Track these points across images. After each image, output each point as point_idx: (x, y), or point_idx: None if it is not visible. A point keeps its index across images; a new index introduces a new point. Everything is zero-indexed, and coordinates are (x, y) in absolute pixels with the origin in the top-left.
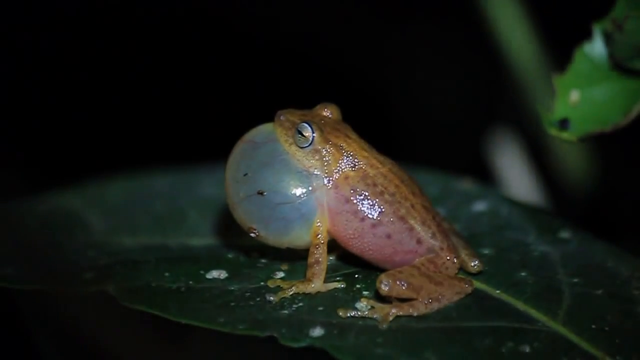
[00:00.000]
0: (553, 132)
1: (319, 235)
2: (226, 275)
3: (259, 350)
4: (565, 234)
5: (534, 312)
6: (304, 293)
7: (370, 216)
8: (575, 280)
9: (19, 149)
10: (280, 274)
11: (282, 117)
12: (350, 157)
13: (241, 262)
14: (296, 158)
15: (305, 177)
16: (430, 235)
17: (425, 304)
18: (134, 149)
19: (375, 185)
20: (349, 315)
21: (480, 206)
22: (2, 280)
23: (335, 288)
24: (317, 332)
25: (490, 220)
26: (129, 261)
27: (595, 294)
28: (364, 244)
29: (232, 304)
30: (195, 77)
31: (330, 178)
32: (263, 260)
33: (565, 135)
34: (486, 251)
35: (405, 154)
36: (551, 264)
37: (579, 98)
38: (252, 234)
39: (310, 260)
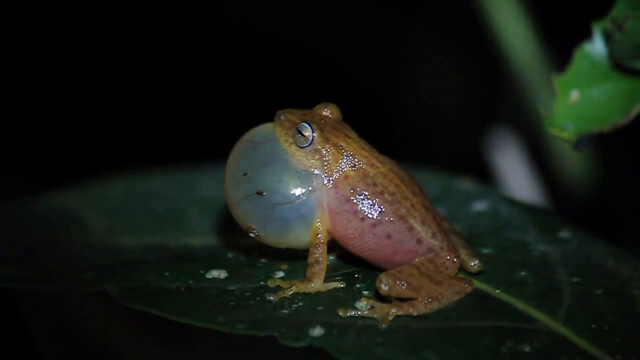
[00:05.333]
0: (553, 132)
1: (319, 235)
2: (226, 275)
3: (259, 350)
4: (565, 234)
5: (534, 312)
6: (303, 293)
7: (370, 216)
8: (575, 280)
9: (19, 149)
10: (280, 274)
11: (282, 117)
12: (350, 157)
13: (241, 261)
14: (296, 158)
15: (304, 177)
16: (430, 234)
17: (425, 303)
18: (134, 149)
19: (375, 184)
20: (349, 315)
21: (480, 206)
22: (2, 280)
23: (335, 288)
24: (317, 331)
25: (490, 220)
26: (129, 261)
27: (595, 294)
28: (364, 244)
29: (232, 303)
30: (195, 77)
31: (330, 178)
32: (263, 260)
33: (565, 135)
34: (486, 251)
35: (405, 154)
36: (551, 264)
37: (578, 98)
38: (251, 234)
39: (310, 259)
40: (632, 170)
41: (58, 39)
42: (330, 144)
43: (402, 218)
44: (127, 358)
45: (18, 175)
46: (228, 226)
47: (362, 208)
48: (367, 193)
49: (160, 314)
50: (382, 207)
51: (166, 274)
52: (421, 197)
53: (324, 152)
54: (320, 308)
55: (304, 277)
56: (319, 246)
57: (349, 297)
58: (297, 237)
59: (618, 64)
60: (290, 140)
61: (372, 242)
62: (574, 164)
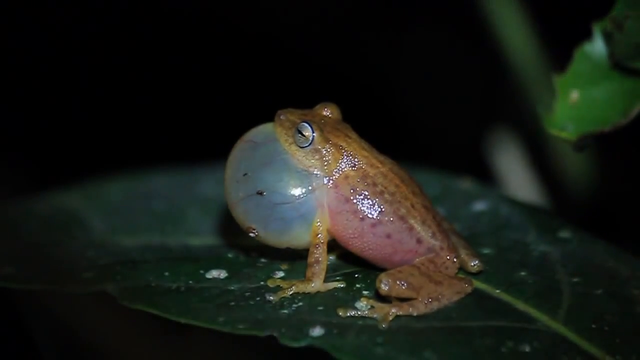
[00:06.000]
0: (553, 132)
1: (319, 235)
2: (226, 274)
3: (259, 350)
4: (565, 234)
5: (534, 312)
6: (303, 293)
7: (370, 216)
8: (575, 280)
9: (19, 149)
10: (280, 274)
11: (282, 117)
12: (350, 157)
13: (241, 261)
14: (296, 158)
15: (305, 176)
16: (430, 234)
17: (425, 303)
18: (134, 148)
19: (375, 184)
20: (348, 314)
21: (480, 206)
22: (2, 280)
23: (335, 288)
24: (317, 331)
25: (490, 220)
26: (129, 261)
27: (595, 294)
28: (363, 244)
29: (232, 303)
30: (195, 76)
31: (330, 178)
32: (263, 260)
33: (565, 135)
34: (486, 251)
35: (405, 154)
36: (551, 264)
37: (578, 98)
38: (251, 234)
39: (310, 259)
40: (632, 171)
41: (58, 39)
42: (331, 143)
43: (402, 218)
44: (127, 358)
45: (18, 175)
46: (228, 226)
47: (362, 208)
48: (367, 193)
49: (160, 313)
50: (382, 207)
51: (166, 274)
52: (421, 197)
53: (324, 152)
54: (320, 308)
55: (304, 277)
56: (319, 246)
57: (349, 297)
58: (297, 237)
59: (618, 64)
60: (291, 140)
61: (372, 241)
62: (574, 164)
